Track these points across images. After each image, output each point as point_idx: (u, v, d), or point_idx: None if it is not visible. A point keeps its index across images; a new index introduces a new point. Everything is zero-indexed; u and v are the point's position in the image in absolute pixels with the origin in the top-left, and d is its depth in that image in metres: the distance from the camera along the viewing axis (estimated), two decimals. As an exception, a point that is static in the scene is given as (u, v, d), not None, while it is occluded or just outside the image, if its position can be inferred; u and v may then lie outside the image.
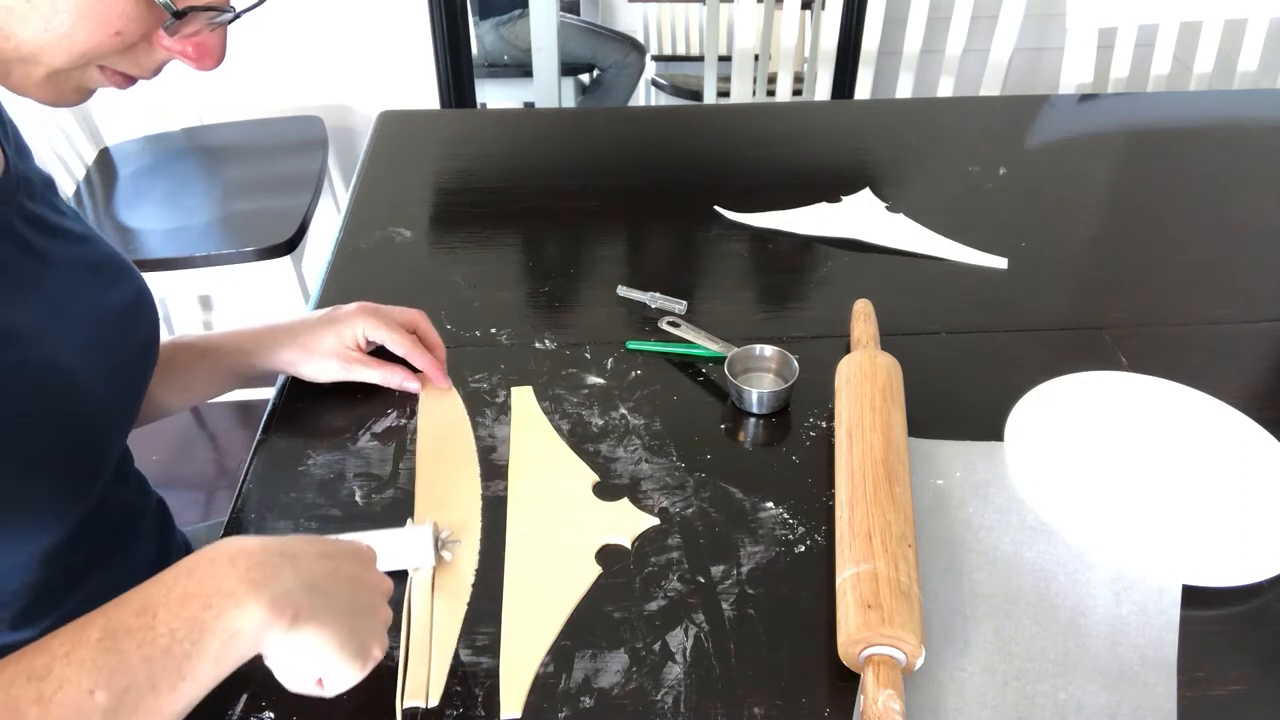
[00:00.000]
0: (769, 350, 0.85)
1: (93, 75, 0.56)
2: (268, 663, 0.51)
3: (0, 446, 0.56)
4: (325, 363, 0.81)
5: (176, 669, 0.44)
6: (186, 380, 0.82)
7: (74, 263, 0.66)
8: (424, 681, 0.61)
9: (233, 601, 0.46)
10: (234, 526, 0.72)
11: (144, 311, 0.72)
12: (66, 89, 0.55)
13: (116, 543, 0.72)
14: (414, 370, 0.83)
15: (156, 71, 0.57)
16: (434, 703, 0.60)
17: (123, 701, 0.42)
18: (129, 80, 0.57)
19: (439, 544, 0.69)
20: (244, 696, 0.60)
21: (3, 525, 0.57)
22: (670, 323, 0.89)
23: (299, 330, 0.82)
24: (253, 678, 0.60)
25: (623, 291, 0.96)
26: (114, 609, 0.46)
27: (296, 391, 0.84)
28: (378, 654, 0.54)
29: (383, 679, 0.61)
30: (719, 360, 0.86)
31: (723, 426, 0.81)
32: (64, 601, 0.66)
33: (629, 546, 0.70)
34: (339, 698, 0.60)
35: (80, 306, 0.65)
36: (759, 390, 0.81)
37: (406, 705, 0.60)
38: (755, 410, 0.82)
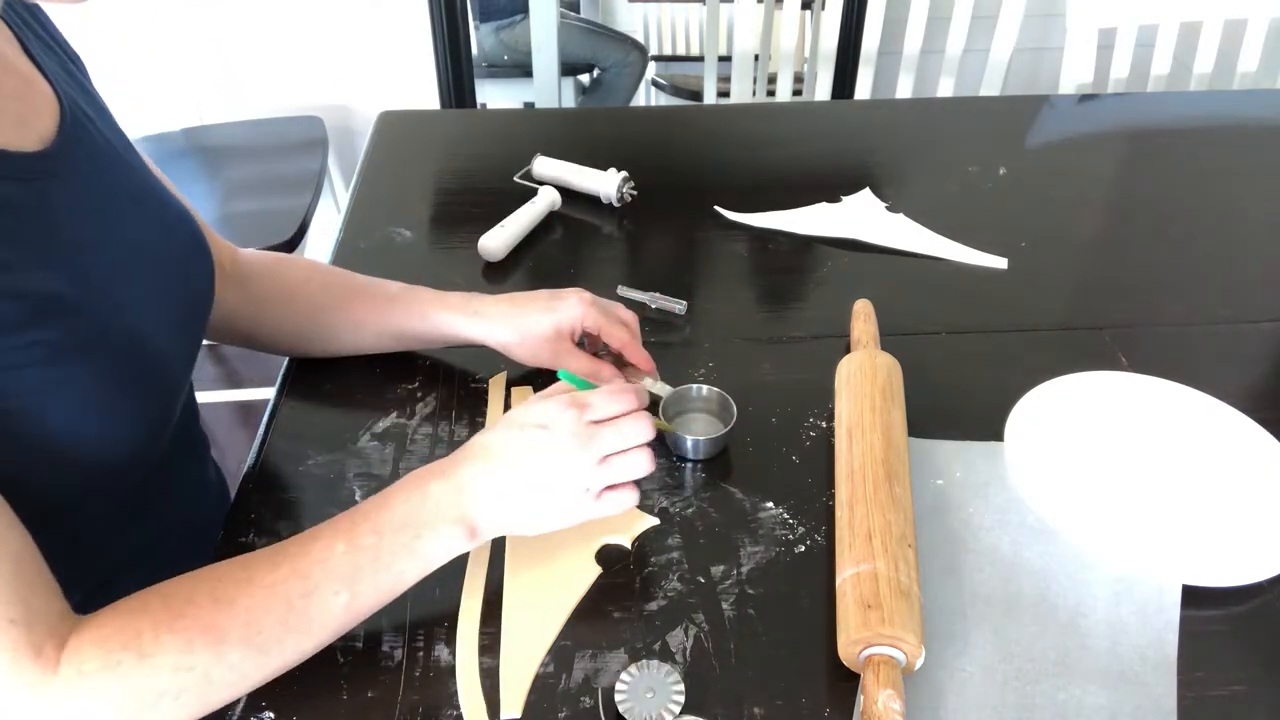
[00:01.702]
0: (706, 390, 0.81)
1: None
2: None
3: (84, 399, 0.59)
4: (538, 349, 0.81)
5: (395, 577, 0.61)
6: (376, 320, 0.84)
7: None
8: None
9: (433, 532, 0.62)
10: (234, 526, 0.72)
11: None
12: None
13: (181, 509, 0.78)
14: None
15: None
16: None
17: (356, 595, 0.60)
18: None
19: (621, 188, 1.04)
20: (244, 696, 0.60)
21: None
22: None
23: (514, 314, 0.82)
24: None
25: (623, 291, 0.96)
26: (356, 526, 0.61)
27: (296, 391, 0.84)
28: (606, 508, 0.66)
29: (384, 680, 0.61)
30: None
31: (723, 426, 0.81)
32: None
33: (629, 546, 0.70)
34: (338, 697, 0.60)
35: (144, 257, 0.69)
36: (693, 437, 0.77)
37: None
38: (690, 456, 0.78)
